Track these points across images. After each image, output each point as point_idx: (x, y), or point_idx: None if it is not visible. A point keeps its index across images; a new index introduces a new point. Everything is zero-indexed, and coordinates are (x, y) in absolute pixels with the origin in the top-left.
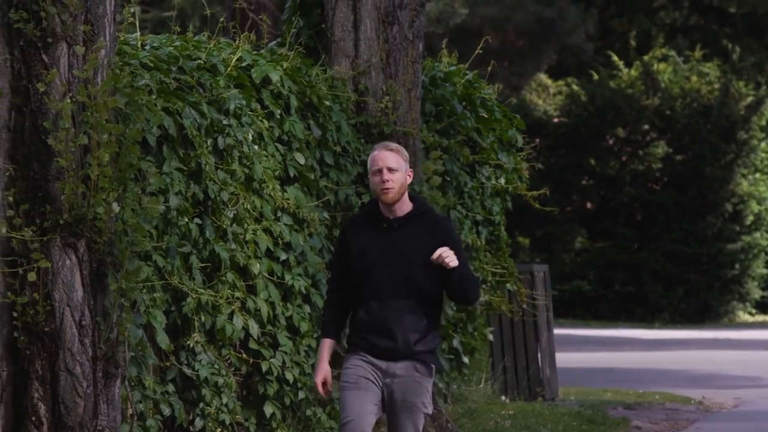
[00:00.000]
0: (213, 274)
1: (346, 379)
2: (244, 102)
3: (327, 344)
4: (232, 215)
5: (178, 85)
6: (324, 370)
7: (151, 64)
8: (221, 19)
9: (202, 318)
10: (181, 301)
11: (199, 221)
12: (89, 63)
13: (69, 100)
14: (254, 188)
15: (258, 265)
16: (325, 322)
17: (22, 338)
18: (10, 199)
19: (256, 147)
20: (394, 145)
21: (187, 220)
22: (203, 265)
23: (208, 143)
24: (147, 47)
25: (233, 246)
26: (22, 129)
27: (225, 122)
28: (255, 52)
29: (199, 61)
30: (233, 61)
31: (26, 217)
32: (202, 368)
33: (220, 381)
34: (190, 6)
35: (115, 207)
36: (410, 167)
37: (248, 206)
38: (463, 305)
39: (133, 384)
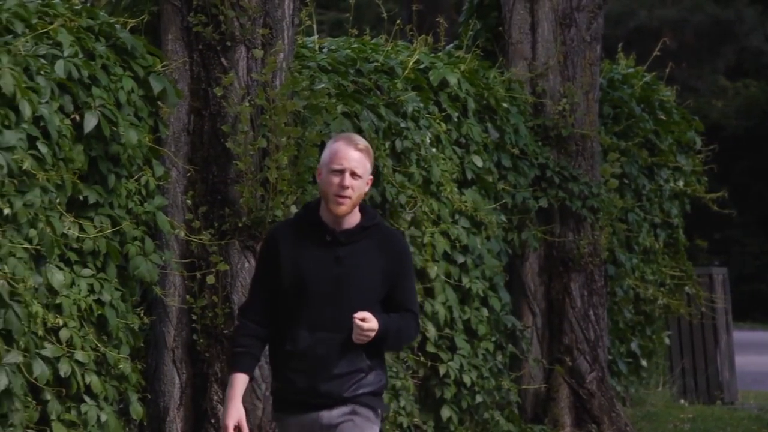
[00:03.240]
0: None
1: None
2: (421, 104)
3: (239, 380)
4: (409, 218)
5: (356, 87)
6: (236, 412)
7: (329, 67)
8: (398, 22)
9: None
10: None
11: None
12: (268, 66)
13: (248, 104)
14: (432, 191)
15: (435, 267)
16: (237, 353)
17: (201, 341)
18: (189, 202)
19: (433, 150)
20: (363, 143)
21: None
22: None
23: (386, 146)
24: (325, 50)
25: (411, 249)
26: (201, 132)
27: (403, 125)
28: (432, 55)
29: (376, 63)
30: (411, 63)
31: (205, 220)
32: None
33: (398, 384)
34: (366, 7)
35: (294, 210)
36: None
37: (426, 209)
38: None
39: None
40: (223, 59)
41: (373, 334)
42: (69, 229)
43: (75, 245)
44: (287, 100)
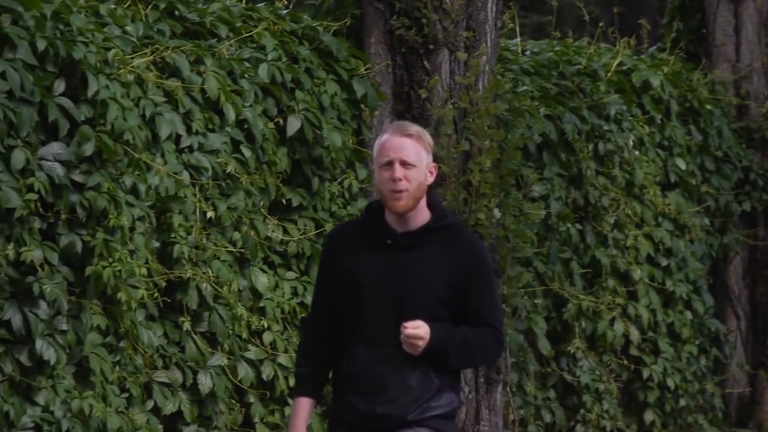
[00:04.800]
0: (594, 280)
1: None
2: (624, 107)
3: (303, 405)
4: (612, 221)
5: (559, 90)
6: None
7: (532, 70)
8: (600, 24)
9: (583, 324)
10: (561, 306)
11: (580, 227)
12: (471, 69)
13: (451, 107)
14: (635, 194)
15: (639, 270)
16: (299, 374)
17: None
18: None
19: (636, 152)
20: (415, 128)
21: (568, 225)
22: (584, 270)
23: (589, 148)
24: (527, 53)
25: (614, 251)
26: None
27: (605, 127)
28: (635, 57)
29: (579, 66)
30: (614, 65)
31: None
32: (583, 374)
33: (601, 387)
34: (568, 10)
35: (497, 213)
36: (434, 161)
37: (629, 212)
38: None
39: (514, 390)
40: (425, 62)
41: (421, 342)
42: (273, 232)
43: (279, 248)
44: (490, 103)
